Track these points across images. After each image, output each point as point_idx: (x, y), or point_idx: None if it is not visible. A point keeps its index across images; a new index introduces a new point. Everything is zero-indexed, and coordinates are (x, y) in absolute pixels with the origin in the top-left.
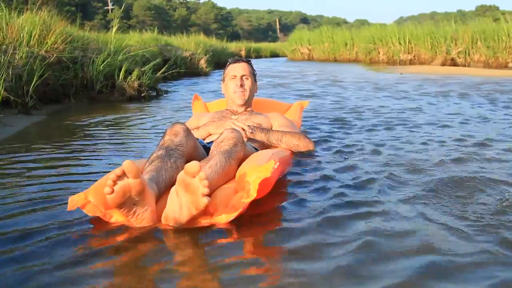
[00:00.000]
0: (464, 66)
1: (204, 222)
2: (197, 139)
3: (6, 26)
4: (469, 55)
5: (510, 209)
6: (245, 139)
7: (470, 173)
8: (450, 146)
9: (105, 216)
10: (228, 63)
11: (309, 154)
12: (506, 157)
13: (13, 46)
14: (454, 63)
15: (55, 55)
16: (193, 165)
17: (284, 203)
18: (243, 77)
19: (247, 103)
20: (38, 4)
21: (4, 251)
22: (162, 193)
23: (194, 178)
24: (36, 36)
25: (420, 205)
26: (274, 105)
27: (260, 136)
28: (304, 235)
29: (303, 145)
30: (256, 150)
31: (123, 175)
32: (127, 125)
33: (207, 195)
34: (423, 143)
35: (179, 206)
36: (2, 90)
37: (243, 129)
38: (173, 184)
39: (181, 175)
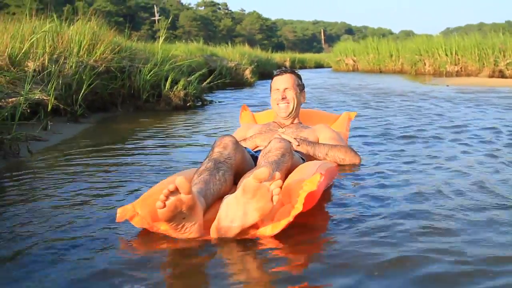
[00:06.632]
0: None
1: (250, 234)
2: (245, 148)
3: (57, 36)
4: None
5: None
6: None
7: None
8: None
9: (152, 228)
10: (274, 75)
11: (355, 166)
12: None
13: (63, 56)
14: (502, 75)
15: (103, 64)
16: (263, 171)
17: (330, 216)
18: (286, 90)
19: (292, 115)
20: (88, 15)
21: (52, 255)
22: (209, 206)
23: (263, 182)
24: (86, 46)
25: (479, 215)
26: (321, 116)
27: (306, 150)
28: (350, 250)
29: (349, 159)
30: (303, 160)
31: (176, 191)
32: (173, 135)
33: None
34: (464, 154)
35: (242, 213)
36: (53, 99)
37: (290, 142)
38: (220, 197)
39: (249, 181)
